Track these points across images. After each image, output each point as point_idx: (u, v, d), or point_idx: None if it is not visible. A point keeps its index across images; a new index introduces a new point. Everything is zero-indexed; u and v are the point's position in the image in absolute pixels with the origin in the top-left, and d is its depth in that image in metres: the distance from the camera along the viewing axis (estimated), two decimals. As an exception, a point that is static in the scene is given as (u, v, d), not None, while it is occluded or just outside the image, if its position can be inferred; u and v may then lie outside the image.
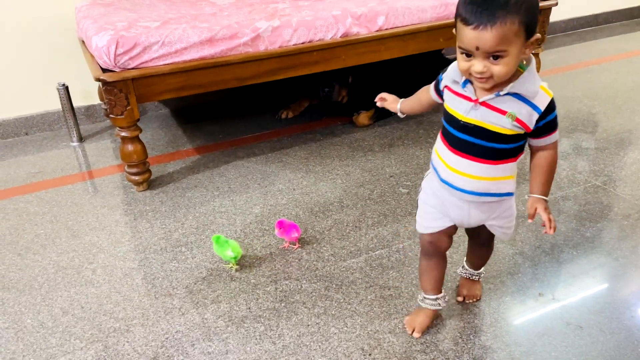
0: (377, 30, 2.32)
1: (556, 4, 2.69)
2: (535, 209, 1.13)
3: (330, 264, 1.67)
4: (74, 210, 2.04)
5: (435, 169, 1.23)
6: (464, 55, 1.03)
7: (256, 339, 1.41)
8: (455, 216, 1.24)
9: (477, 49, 0.99)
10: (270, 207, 2.00)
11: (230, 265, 1.67)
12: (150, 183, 2.19)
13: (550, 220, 1.12)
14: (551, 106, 1.08)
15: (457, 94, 1.13)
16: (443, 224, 1.26)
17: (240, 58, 2.07)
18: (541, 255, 1.67)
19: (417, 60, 2.88)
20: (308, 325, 1.44)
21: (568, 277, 1.58)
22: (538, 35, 1.02)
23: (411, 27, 2.36)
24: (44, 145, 2.62)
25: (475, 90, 1.09)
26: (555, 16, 3.93)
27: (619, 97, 2.83)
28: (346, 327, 1.43)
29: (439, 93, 1.23)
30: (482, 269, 1.49)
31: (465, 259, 1.51)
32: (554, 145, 1.13)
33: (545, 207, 1.13)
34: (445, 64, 3.39)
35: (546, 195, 1.15)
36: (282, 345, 1.38)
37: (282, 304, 1.52)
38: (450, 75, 1.14)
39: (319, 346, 1.37)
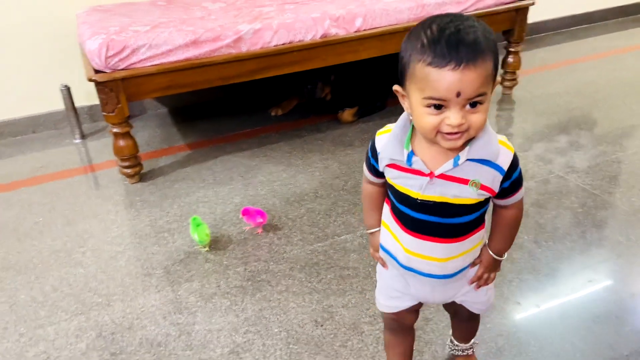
0: (355, 31, 2.44)
1: (533, 4, 2.78)
2: (478, 263, 1.04)
3: (297, 248, 1.81)
4: (71, 201, 2.21)
5: (389, 254, 1.05)
6: (432, 108, 0.83)
7: (222, 312, 1.55)
8: (418, 295, 1.08)
9: (459, 94, 0.81)
10: (250, 197, 2.14)
11: (200, 247, 1.83)
12: (142, 176, 2.35)
13: (480, 277, 1.05)
14: (514, 163, 0.93)
15: (406, 170, 0.94)
16: (406, 303, 1.10)
17: (223, 59, 2.22)
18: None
19: (402, 59, 2.99)
20: (270, 300, 1.58)
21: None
22: (498, 79, 0.99)
23: (388, 27, 2.49)
24: (49, 143, 2.82)
25: (426, 163, 0.92)
26: (547, 14, 4.02)
27: (599, 93, 2.91)
28: (304, 302, 1.56)
29: (381, 175, 1.01)
30: (474, 339, 1.31)
31: (450, 332, 1.33)
32: (519, 204, 1.00)
33: (488, 266, 1.04)
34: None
35: (501, 255, 1.05)
36: (244, 318, 1.52)
37: (249, 283, 1.66)
38: (388, 153, 0.95)
39: (277, 318, 1.51)
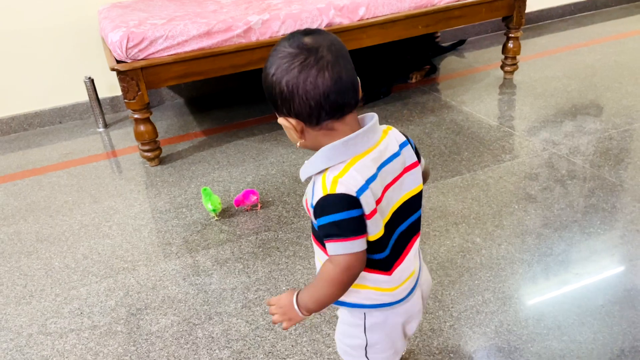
0: (359, 20, 2.59)
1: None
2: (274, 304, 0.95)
3: (305, 219, 1.96)
4: (97, 182, 2.40)
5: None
6: None
7: (235, 274, 1.72)
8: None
9: None
10: (261, 177, 2.30)
11: (212, 215, 2.00)
12: (161, 159, 2.53)
13: (273, 319, 0.96)
14: (320, 204, 0.83)
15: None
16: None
17: (234, 48, 2.38)
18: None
19: (407, 46, 3.12)
20: (279, 264, 1.74)
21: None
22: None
23: (390, 16, 2.62)
24: (75, 132, 3.01)
25: None
26: (552, 2, 4.11)
27: (597, 76, 3.01)
28: (309, 265, 1.72)
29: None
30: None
31: None
32: (335, 259, 0.85)
33: (285, 314, 0.93)
34: (439, 51, 3.63)
35: (303, 309, 0.91)
36: (256, 278, 1.68)
37: (260, 249, 1.83)
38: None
39: (285, 279, 1.67)
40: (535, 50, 3.51)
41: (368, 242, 0.85)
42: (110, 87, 3.15)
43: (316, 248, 0.96)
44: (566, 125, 2.49)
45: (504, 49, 3.04)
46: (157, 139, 2.46)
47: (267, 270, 1.72)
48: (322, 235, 0.85)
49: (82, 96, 3.08)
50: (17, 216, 2.19)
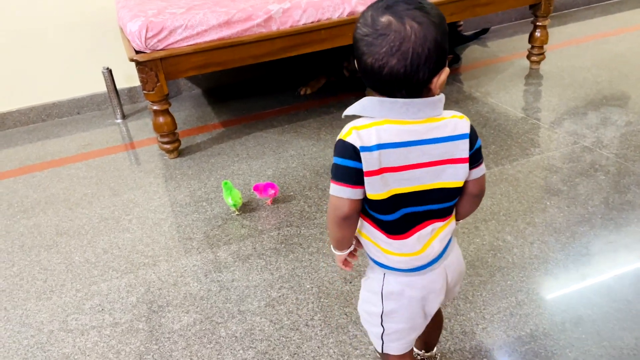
0: (382, 9, 2.51)
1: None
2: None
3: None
4: (115, 175, 2.37)
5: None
6: None
7: (258, 270, 1.67)
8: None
9: None
10: (281, 170, 2.26)
11: (233, 210, 1.96)
12: (180, 152, 2.49)
13: None
14: (335, 145, 0.89)
15: None
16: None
17: (255, 38, 2.33)
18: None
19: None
20: (302, 261, 1.70)
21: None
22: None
23: (414, 4, 2.54)
24: (93, 123, 2.99)
25: None
26: (577, -11, 3.98)
27: (628, 66, 2.90)
28: (333, 262, 1.67)
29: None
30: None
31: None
32: (330, 198, 0.93)
33: None
34: (461, 40, 3.53)
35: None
36: (279, 276, 1.64)
37: (282, 245, 1.78)
38: None
39: (309, 276, 1.63)
40: (561, 39, 3.39)
41: (369, 199, 0.89)
42: (127, 77, 3.12)
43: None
44: (597, 117, 2.40)
45: (531, 38, 2.94)
46: (175, 131, 2.42)
47: (290, 268, 1.67)
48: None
49: (100, 87, 3.05)
50: (37, 209, 2.17)
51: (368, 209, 0.92)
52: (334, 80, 3.12)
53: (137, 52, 2.24)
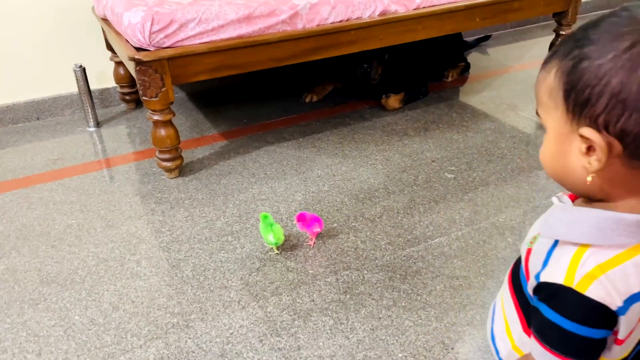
0: (415, 9, 2.23)
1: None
2: None
3: (389, 253, 1.60)
4: (104, 199, 1.92)
5: None
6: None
7: (327, 333, 1.33)
8: None
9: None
10: (313, 194, 1.91)
11: (271, 247, 1.61)
12: (180, 170, 2.08)
13: None
14: (552, 292, 0.64)
15: None
16: None
17: (278, 37, 1.96)
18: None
19: (442, 43, 2.80)
20: (379, 318, 1.37)
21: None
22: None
23: (449, 5, 2.28)
24: (59, 131, 2.49)
25: None
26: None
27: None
28: (420, 319, 1.36)
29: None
30: None
31: None
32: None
33: None
34: (465, 47, 3.33)
35: None
36: (357, 340, 1.31)
37: (347, 296, 1.44)
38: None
39: (396, 340, 1.30)
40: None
41: None
42: (99, 76, 2.64)
43: (511, 305, 0.75)
44: None
45: (552, 47, 2.77)
46: (179, 146, 2.01)
47: (367, 328, 1.34)
48: (534, 324, 0.63)
49: (65, 88, 2.56)
50: (6, 246, 1.69)
51: None
52: (340, 87, 2.81)
53: (137, 49, 1.82)
